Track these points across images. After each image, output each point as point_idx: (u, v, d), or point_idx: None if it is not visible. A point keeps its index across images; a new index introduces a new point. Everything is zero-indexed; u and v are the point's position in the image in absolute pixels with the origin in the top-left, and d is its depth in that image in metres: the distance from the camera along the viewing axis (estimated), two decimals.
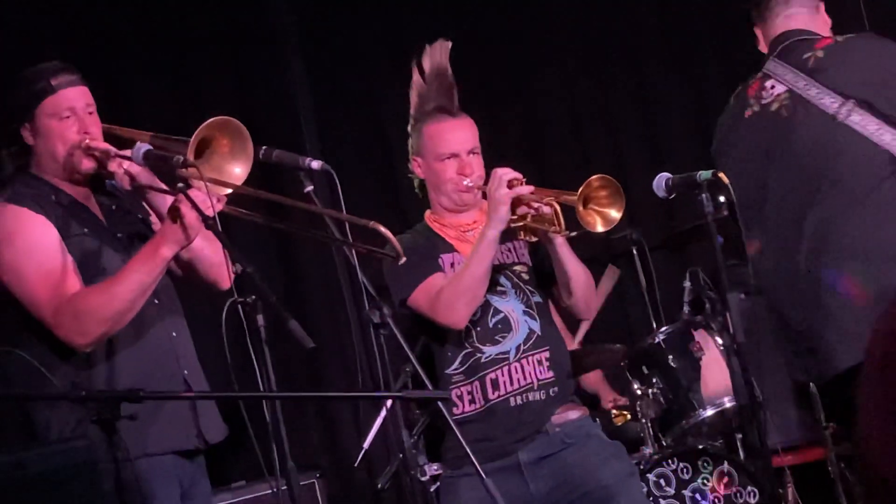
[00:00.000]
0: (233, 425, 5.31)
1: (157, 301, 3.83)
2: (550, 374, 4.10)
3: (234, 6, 6.03)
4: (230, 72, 6.02)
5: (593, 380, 5.79)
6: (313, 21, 6.15)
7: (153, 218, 3.91)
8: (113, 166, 3.77)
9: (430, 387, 3.87)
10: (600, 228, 3.99)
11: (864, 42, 4.34)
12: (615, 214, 3.98)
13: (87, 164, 3.78)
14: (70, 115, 3.78)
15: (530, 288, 4.16)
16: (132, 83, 5.81)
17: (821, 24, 4.43)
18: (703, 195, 4.16)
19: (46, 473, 3.38)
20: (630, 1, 6.67)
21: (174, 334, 3.89)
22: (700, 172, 4.17)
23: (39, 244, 3.70)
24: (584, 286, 4.13)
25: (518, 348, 4.09)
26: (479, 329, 4.09)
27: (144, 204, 3.93)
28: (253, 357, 3.60)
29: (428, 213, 4.26)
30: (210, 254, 3.89)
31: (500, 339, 4.09)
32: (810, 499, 5.61)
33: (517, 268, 4.17)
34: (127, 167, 3.75)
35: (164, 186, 3.70)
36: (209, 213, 3.50)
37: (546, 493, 4.06)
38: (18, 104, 3.81)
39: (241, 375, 3.77)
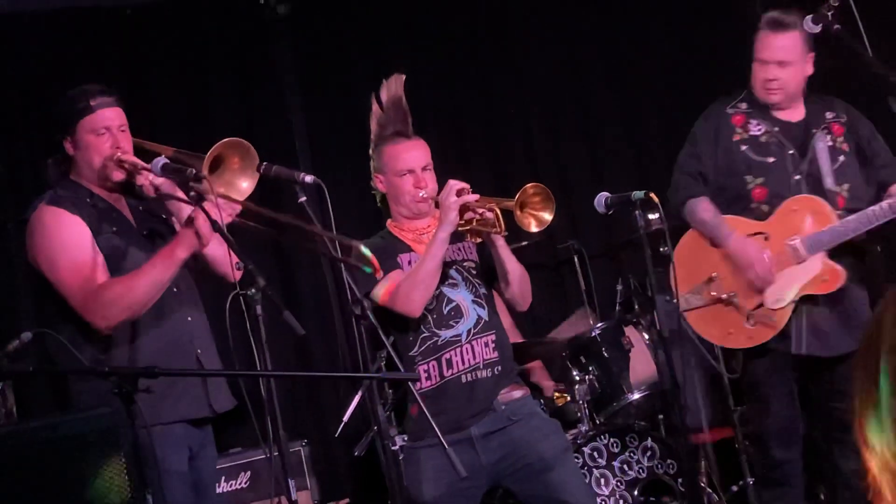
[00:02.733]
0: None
1: (175, 290, 3.86)
2: (495, 354, 4.07)
3: (243, 46, 6.00)
4: (238, 100, 5.99)
5: (534, 368, 5.78)
6: (310, 56, 6.12)
7: (174, 219, 3.95)
8: (140, 179, 3.80)
9: (401, 369, 3.92)
10: (535, 229, 3.96)
11: None
12: (547, 217, 3.94)
13: (118, 175, 3.81)
14: (105, 133, 3.81)
15: (478, 281, 4.14)
16: (158, 108, 5.79)
17: None
18: (637, 212, 4.19)
19: (74, 436, 3.44)
20: (581, 51, 6.62)
21: (189, 318, 3.89)
22: (634, 193, 4.19)
23: (73, 241, 3.73)
24: (519, 280, 4.10)
25: (469, 332, 4.06)
26: (434, 316, 4.05)
27: (168, 206, 3.96)
28: (252, 341, 3.58)
29: (389, 221, 4.22)
30: (220, 254, 3.88)
31: (454, 324, 4.06)
32: (719, 471, 5.61)
33: (467, 264, 4.15)
34: (152, 179, 3.79)
35: (183, 196, 3.71)
36: (219, 220, 3.51)
37: (494, 462, 4.03)
38: (62, 119, 3.84)
39: (242, 357, 3.79)
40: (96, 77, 4.04)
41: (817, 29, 4.27)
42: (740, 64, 4.65)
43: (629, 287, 5.74)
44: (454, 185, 3.96)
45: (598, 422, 5.22)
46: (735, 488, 5.46)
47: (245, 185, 3.69)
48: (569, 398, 5.28)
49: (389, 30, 6.18)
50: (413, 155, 4.15)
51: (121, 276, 3.73)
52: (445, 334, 4.06)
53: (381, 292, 4.00)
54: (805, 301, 4.45)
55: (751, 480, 5.18)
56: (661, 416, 5.44)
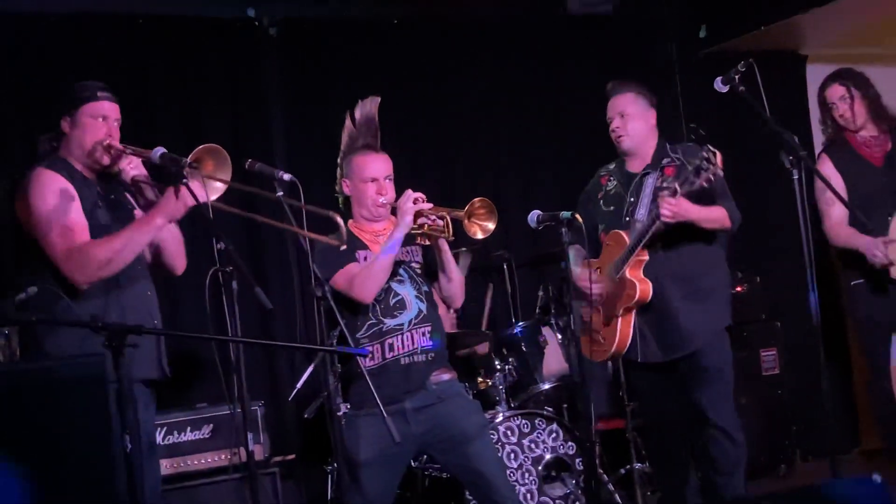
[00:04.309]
0: (203, 361, 5.37)
1: (140, 267, 3.89)
2: (430, 342, 4.16)
3: (236, 61, 6.00)
4: (227, 107, 5.97)
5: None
6: (293, 73, 6.14)
7: (137, 212, 3.95)
8: (122, 164, 3.85)
9: (352, 345, 3.97)
10: (480, 236, 4.07)
11: None
12: (491, 226, 4.06)
13: (105, 159, 3.84)
14: (102, 120, 3.84)
15: (421, 279, 4.23)
16: (156, 108, 5.79)
17: None
18: (563, 229, 4.29)
19: (68, 379, 3.41)
20: (519, 91, 6.68)
21: (149, 293, 3.95)
22: (563, 213, 4.31)
23: (65, 203, 3.73)
24: (457, 282, 4.22)
25: (410, 322, 4.14)
26: (382, 306, 4.13)
27: (133, 199, 3.96)
28: (226, 312, 3.65)
29: (350, 221, 4.27)
30: (172, 245, 3.95)
31: (397, 315, 4.14)
32: (611, 455, 5.73)
33: (413, 264, 4.24)
34: (133, 166, 3.85)
35: (155, 184, 3.78)
36: (203, 200, 3.56)
37: (422, 433, 4.12)
38: (68, 100, 3.85)
39: (216, 324, 3.78)
40: (103, 77, 4.08)
41: (725, 88, 4.28)
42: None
43: (548, 293, 5.79)
44: (412, 193, 4.07)
45: (513, 405, 5.29)
46: (623, 471, 5.57)
47: (218, 185, 3.70)
48: (490, 383, 5.33)
49: (365, 57, 6.21)
50: (378, 166, 4.22)
51: (101, 238, 3.72)
52: (389, 322, 4.14)
53: (340, 279, 4.06)
54: (638, 317, 4.55)
55: (637, 465, 5.31)
56: (566, 405, 5.50)
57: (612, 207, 4.67)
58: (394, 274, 4.15)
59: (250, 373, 3.88)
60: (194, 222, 4.94)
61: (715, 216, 4.50)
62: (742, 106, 4.31)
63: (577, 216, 4.32)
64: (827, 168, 5.10)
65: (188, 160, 3.59)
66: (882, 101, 5.15)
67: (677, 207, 4.32)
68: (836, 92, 5.13)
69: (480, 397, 5.18)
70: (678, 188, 4.30)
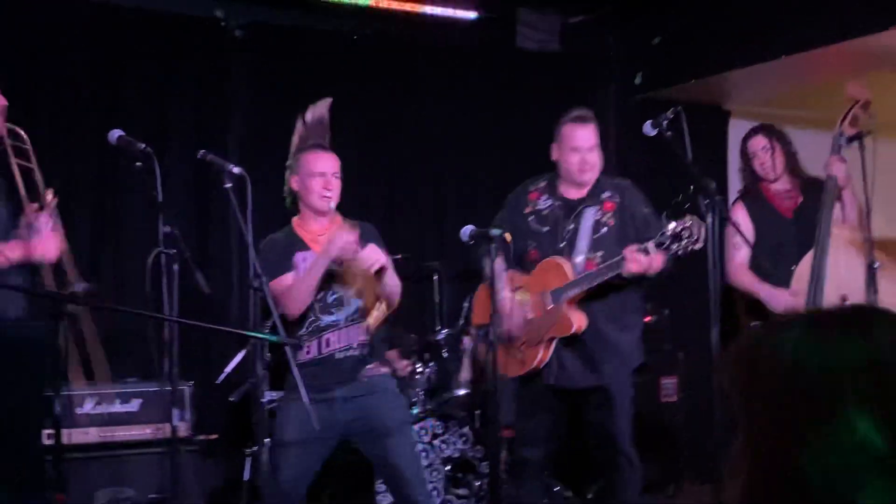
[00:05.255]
0: (139, 337, 5.29)
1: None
2: (364, 338, 4.19)
3: (203, 58, 5.98)
4: (190, 99, 5.95)
5: (391, 355, 5.85)
6: (255, 74, 6.13)
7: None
8: None
9: (284, 335, 3.91)
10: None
11: None
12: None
13: None
14: None
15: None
16: (125, 94, 5.74)
17: None
18: (492, 246, 4.26)
19: (33, 338, 3.44)
20: (464, 109, 6.70)
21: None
22: (493, 229, 4.29)
23: None
24: (392, 288, 4.23)
25: (347, 318, 4.16)
26: (320, 304, 4.13)
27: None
28: (165, 292, 3.62)
29: (295, 219, 4.26)
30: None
31: (334, 311, 4.15)
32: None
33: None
34: None
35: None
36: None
37: (347, 421, 4.12)
38: None
39: (154, 303, 3.80)
40: (66, 55, 4.01)
41: (653, 132, 4.26)
42: None
43: (471, 305, 5.82)
44: (346, 235, 4.03)
45: (428, 407, 5.30)
46: None
47: None
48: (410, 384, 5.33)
49: (323, 67, 6.21)
50: (326, 162, 4.21)
51: None
52: (326, 319, 4.14)
53: (274, 288, 3.98)
54: (559, 341, 4.52)
55: None
56: (478, 411, 5.50)
57: (546, 228, 4.60)
58: (339, 275, 4.15)
59: (184, 353, 3.86)
60: (144, 204, 4.93)
61: (658, 266, 4.44)
62: (667, 150, 4.34)
63: (507, 235, 4.30)
64: (739, 215, 5.15)
65: (146, 146, 3.54)
66: (798, 158, 5.23)
67: (646, 265, 4.27)
68: (759, 143, 5.19)
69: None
70: (650, 249, 4.23)
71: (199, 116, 5.93)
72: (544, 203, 4.65)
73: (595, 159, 4.58)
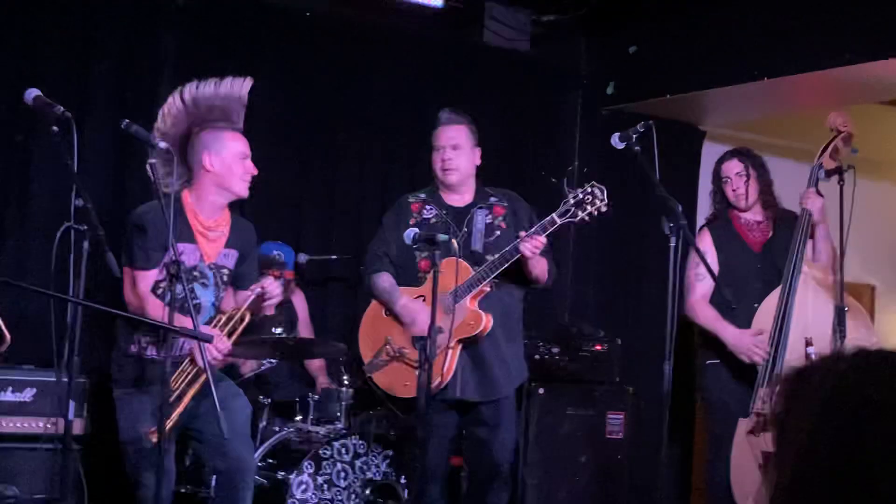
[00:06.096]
0: (39, 320, 5.16)
1: None
2: None
3: (134, 24, 5.82)
4: (117, 68, 5.78)
5: (316, 365, 5.78)
6: (190, 45, 5.98)
7: None
8: None
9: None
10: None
11: None
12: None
13: None
14: None
15: (225, 286, 4.29)
16: (48, 59, 5.58)
17: None
18: (437, 252, 4.28)
19: None
20: (421, 88, 6.60)
21: None
22: (440, 235, 4.35)
23: None
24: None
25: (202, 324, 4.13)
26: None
27: None
28: (71, 271, 3.54)
29: (187, 192, 4.17)
30: None
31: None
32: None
33: (224, 270, 4.28)
34: None
35: None
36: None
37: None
38: None
39: (59, 282, 3.68)
40: None
41: (621, 146, 4.29)
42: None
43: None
44: (220, 344, 4.06)
45: (352, 424, 5.20)
46: None
47: None
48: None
49: (271, 44, 6.07)
50: (247, 146, 4.24)
51: None
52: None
53: (126, 278, 4.09)
54: (462, 355, 4.55)
55: None
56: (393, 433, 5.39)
57: None
58: (201, 276, 4.17)
59: (88, 342, 3.76)
60: (57, 173, 4.80)
61: (544, 266, 4.58)
62: (633, 166, 4.33)
63: (454, 240, 4.38)
64: (705, 243, 5.10)
65: (63, 109, 3.47)
66: (773, 188, 5.22)
67: (539, 243, 4.39)
68: (734, 167, 5.15)
69: (321, 409, 5.14)
70: (556, 218, 4.37)
71: (126, 82, 5.72)
72: (429, 212, 4.73)
73: (459, 160, 4.67)
